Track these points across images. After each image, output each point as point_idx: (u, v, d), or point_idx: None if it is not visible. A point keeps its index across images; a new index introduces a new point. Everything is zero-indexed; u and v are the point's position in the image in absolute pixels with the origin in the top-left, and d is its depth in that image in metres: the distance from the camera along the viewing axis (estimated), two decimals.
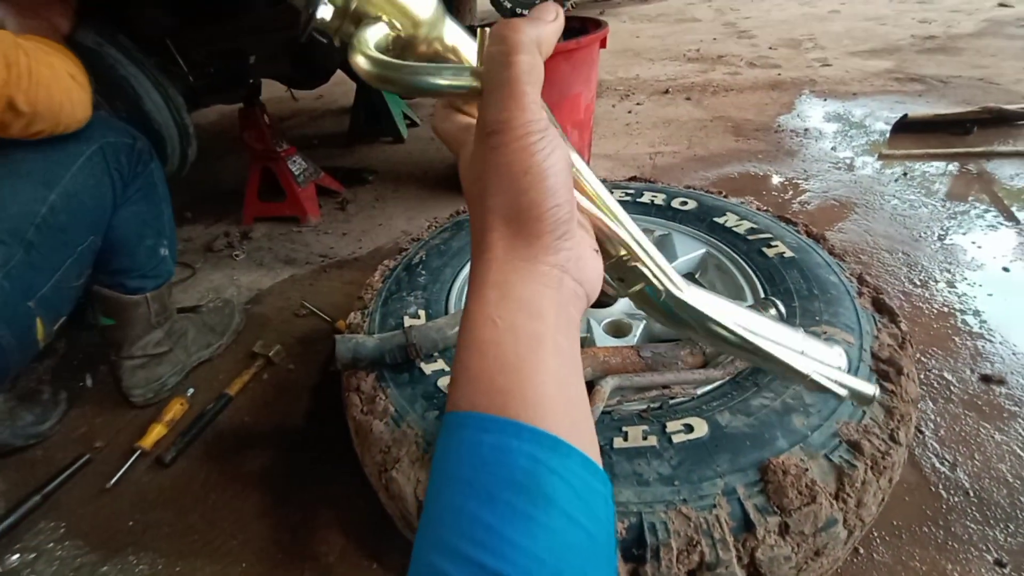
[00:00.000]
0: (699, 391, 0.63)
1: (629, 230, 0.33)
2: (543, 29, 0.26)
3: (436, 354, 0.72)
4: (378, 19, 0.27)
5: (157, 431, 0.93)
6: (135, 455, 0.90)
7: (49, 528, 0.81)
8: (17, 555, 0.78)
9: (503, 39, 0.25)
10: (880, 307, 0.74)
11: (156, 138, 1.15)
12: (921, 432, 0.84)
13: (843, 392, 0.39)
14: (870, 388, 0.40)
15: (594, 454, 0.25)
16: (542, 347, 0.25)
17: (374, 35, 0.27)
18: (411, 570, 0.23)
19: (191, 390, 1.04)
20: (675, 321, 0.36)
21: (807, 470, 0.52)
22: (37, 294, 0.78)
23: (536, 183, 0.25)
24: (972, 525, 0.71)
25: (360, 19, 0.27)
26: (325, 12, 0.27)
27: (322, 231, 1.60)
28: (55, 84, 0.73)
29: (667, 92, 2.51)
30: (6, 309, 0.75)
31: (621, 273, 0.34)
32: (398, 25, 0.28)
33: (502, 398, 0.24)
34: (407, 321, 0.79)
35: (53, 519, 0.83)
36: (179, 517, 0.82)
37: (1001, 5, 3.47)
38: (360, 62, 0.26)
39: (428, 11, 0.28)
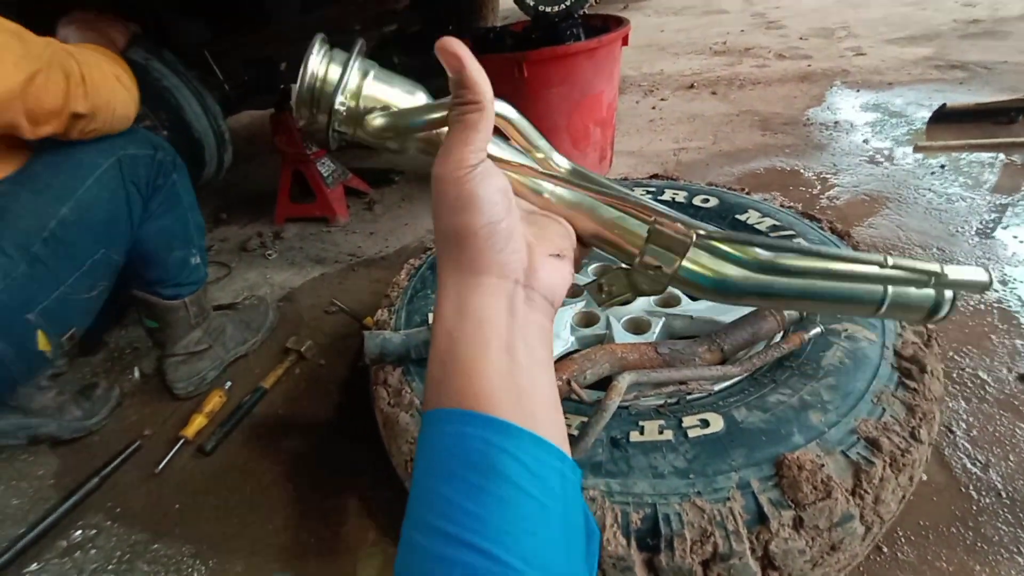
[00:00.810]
0: (716, 387, 0.64)
1: (632, 201, 0.34)
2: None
3: None
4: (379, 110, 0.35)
5: (198, 421, 1.00)
6: (179, 443, 0.96)
7: (106, 507, 0.88)
8: (80, 531, 0.85)
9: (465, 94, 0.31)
10: None
11: (196, 146, 1.21)
12: (952, 432, 0.82)
13: (933, 269, 0.30)
14: (983, 275, 0.32)
15: (554, 434, 0.29)
16: (489, 349, 0.29)
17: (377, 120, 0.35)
18: (399, 548, 0.27)
19: (229, 383, 1.10)
20: (739, 287, 0.32)
21: (823, 466, 0.52)
22: (38, 307, 0.78)
23: (467, 206, 0.30)
24: (1004, 527, 0.70)
25: (365, 115, 0.36)
26: (339, 104, 0.34)
27: (350, 231, 1.66)
28: (103, 85, 0.78)
29: (692, 87, 2.47)
30: (1, 321, 0.75)
31: (662, 242, 0.33)
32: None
33: (459, 396, 0.29)
34: (431, 318, 0.82)
35: (110, 500, 0.89)
36: (219, 502, 0.87)
37: None
38: (375, 124, 0.34)
39: (420, 101, 0.37)
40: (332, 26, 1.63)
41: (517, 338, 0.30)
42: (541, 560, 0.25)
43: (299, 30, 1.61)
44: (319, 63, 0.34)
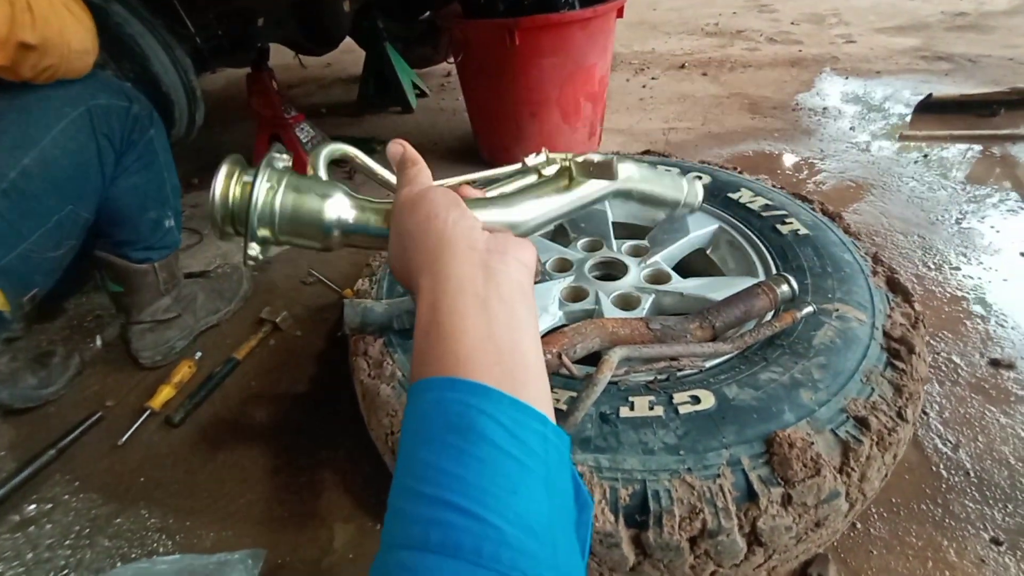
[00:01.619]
0: (707, 364, 0.63)
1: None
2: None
3: None
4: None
5: (166, 392, 0.95)
6: (145, 415, 0.92)
7: (64, 481, 0.83)
8: (34, 505, 0.80)
9: (399, 163, 0.43)
10: (894, 286, 0.73)
11: (164, 100, 1.13)
12: (926, 413, 0.84)
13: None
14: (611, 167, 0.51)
15: (535, 396, 0.29)
16: (469, 311, 0.31)
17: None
18: (385, 518, 0.27)
19: (199, 353, 1.06)
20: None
21: (813, 443, 0.52)
22: None
23: (425, 203, 0.37)
24: (971, 504, 0.72)
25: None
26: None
27: None
28: (52, 14, 0.71)
29: (683, 67, 2.44)
30: None
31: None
32: None
33: (440, 363, 0.30)
34: None
35: (68, 472, 0.85)
36: (188, 475, 0.84)
37: None
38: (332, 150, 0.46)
39: (339, 201, 0.45)
40: None
41: (491, 293, 0.31)
42: (522, 519, 0.25)
43: None
44: (225, 187, 0.40)
